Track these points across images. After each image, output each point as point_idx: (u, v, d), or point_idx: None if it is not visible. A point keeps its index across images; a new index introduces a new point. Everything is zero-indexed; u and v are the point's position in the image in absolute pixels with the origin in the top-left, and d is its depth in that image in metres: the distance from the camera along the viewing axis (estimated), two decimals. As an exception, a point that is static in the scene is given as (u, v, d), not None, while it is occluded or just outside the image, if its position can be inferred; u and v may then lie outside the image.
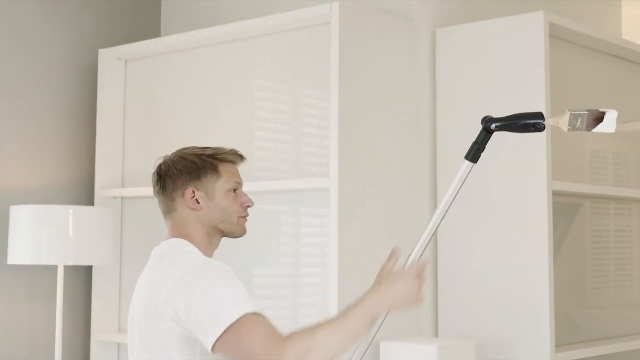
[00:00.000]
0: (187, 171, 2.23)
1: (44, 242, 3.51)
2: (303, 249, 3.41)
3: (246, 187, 2.35)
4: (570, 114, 2.01)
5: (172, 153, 2.30)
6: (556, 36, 3.34)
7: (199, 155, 2.25)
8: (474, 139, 2.12)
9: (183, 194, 2.22)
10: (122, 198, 3.93)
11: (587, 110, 2.02)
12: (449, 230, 3.37)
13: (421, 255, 2.11)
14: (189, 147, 2.31)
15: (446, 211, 2.10)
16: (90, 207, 3.71)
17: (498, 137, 3.25)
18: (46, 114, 3.93)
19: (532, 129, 2.03)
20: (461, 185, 2.09)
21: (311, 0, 3.68)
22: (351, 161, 3.15)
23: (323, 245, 3.30)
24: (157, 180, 2.27)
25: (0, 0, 3.81)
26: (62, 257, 3.52)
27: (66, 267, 3.70)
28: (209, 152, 2.27)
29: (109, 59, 3.97)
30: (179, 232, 2.24)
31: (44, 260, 3.52)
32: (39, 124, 3.90)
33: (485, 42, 3.38)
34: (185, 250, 2.19)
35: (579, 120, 2.02)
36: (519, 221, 3.22)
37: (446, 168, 3.41)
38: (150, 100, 3.93)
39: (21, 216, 3.52)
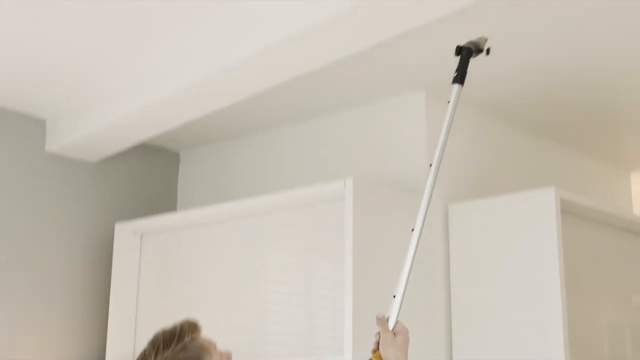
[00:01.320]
0: None
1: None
2: None
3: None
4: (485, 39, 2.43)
5: None
6: (567, 211, 3.37)
7: (184, 348, 2.21)
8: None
9: None
10: (133, 374, 3.88)
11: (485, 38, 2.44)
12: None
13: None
14: (153, 353, 2.23)
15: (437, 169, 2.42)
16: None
17: (514, 310, 3.23)
18: (58, 288, 3.93)
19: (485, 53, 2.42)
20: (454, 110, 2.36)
21: (323, 174, 3.75)
22: (366, 336, 3.11)
23: (339, 423, 3.22)
24: None
25: (16, 175, 3.89)
26: None
27: None
28: (187, 339, 2.22)
29: (125, 233, 4.01)
30: None
31: None
32: (50, 298, 3.90)
33: (497, 218, 3.40)
34: None
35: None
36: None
37: (461, 340, 3.37)
38: (164, 274, 3.94)
39: (31, 393, 3.47)
